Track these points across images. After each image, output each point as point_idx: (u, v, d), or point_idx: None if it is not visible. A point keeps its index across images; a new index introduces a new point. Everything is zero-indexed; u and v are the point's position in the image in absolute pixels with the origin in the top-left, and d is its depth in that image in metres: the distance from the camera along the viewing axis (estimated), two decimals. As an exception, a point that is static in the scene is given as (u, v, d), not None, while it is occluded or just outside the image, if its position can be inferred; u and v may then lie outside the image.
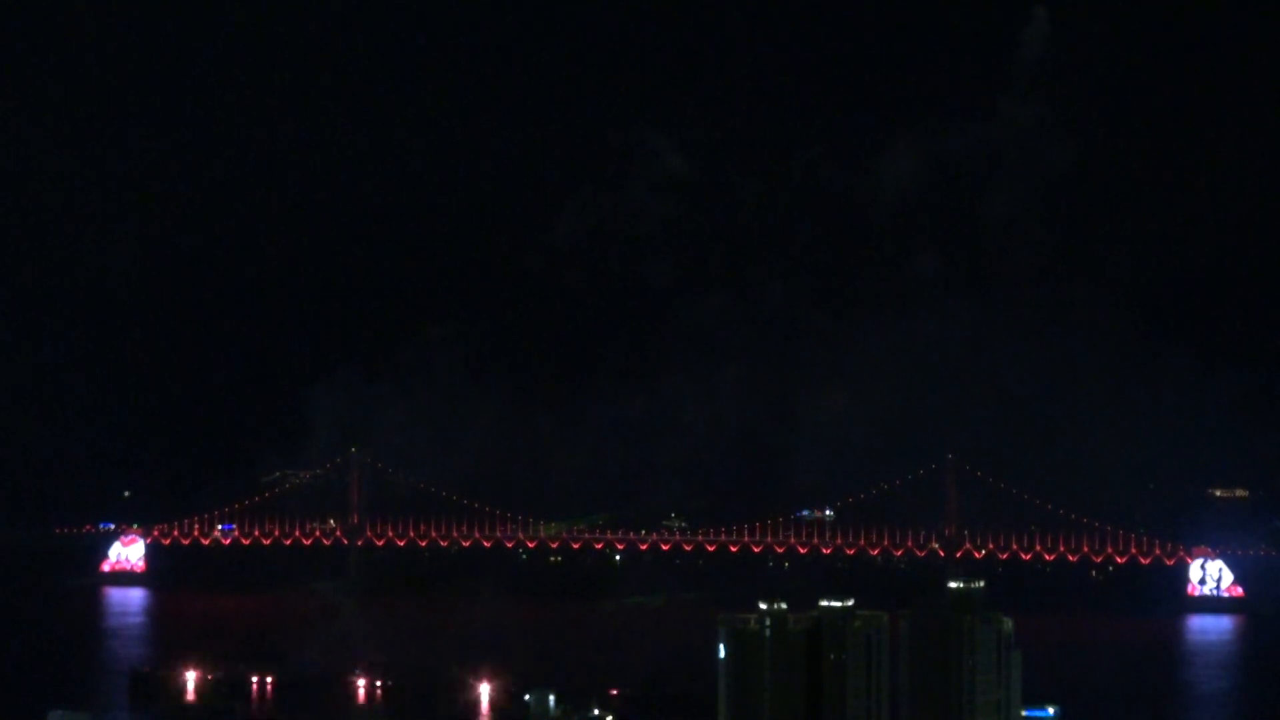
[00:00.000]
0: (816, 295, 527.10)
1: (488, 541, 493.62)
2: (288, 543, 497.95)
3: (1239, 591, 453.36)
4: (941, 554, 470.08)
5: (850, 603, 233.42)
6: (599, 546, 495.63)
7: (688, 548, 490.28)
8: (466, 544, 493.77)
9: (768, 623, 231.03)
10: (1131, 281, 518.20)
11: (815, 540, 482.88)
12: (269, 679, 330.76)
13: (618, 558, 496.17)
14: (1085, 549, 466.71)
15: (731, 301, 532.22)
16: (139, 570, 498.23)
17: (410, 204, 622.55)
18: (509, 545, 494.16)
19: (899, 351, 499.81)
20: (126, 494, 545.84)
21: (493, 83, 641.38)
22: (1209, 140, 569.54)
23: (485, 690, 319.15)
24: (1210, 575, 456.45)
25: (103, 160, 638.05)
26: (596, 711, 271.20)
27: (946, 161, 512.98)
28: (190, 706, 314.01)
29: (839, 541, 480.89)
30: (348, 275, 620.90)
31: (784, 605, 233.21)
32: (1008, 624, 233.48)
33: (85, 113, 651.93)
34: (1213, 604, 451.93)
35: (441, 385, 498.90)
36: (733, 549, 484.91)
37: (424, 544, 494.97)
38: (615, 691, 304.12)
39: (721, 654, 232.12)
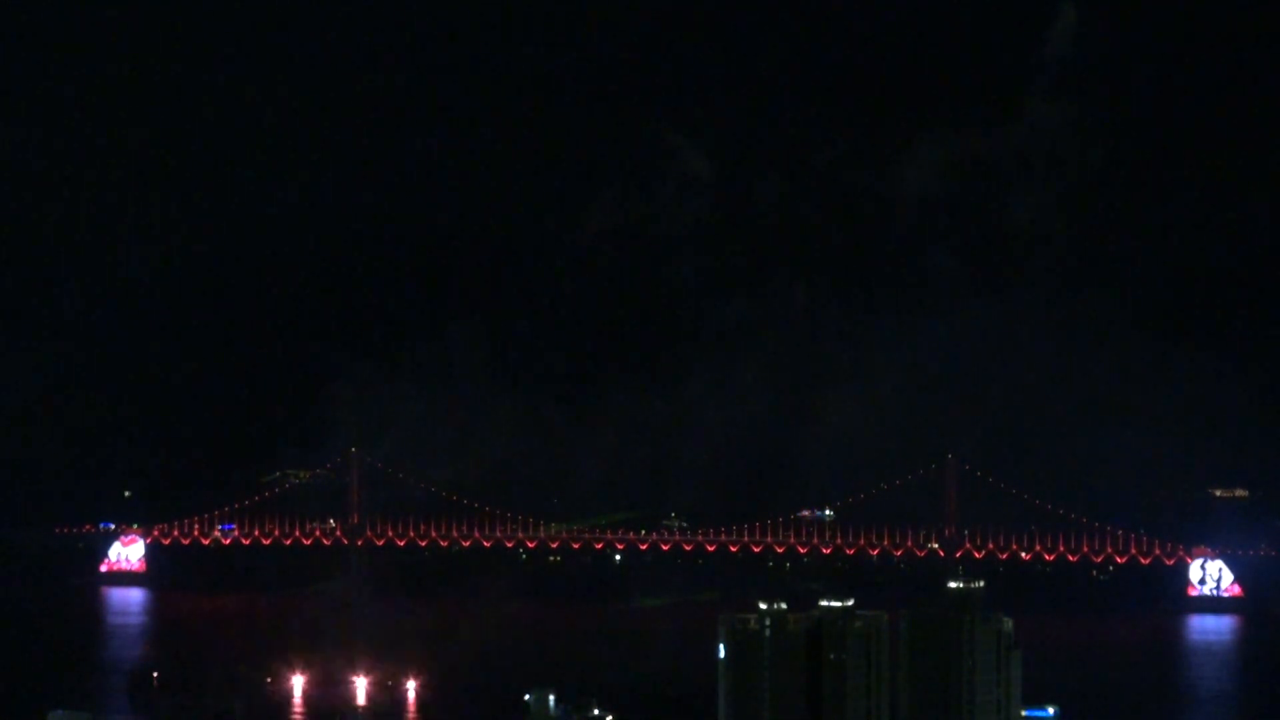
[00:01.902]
0: (836, 297, 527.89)
1: (488, 542, 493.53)
2: (288, 543, 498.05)
3: (1239, 591, 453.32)
4: (941, 554, 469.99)
5: (850, 603, 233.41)
6: (599, 547, 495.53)
7: (688, 548, 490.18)
8: (466, 544, 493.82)
9: (768, 623, 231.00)
10: (1141, 283, 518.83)
11: (815, 540, 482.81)
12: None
13: (618, 558, 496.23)
14: (1085, 549, 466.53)
15: (751, 303, 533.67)
16: (139, 570, 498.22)
17: (431, 204, 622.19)
18: (509, 545, 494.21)
19: (912, 353, 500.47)
20: (127, 494, 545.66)
21: (516, 83, 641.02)
22: (1237, 141, 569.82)
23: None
24: (1210, 575, 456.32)
25: (105, 158, 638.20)
26: (596, 711, 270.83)
27: (970, 162, 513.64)
28: (190, 706, 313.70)
29: (839, 541, 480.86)
30: (363, 274, 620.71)
31: (784, 605, 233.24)
32: (1008, 624, 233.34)
33: (90, 109, 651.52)
34: (1213, 604, 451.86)
35: (453, 385, 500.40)
36: (733, 549, 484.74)
37: (424, 544, 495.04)
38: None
39: (721, 654, 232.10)
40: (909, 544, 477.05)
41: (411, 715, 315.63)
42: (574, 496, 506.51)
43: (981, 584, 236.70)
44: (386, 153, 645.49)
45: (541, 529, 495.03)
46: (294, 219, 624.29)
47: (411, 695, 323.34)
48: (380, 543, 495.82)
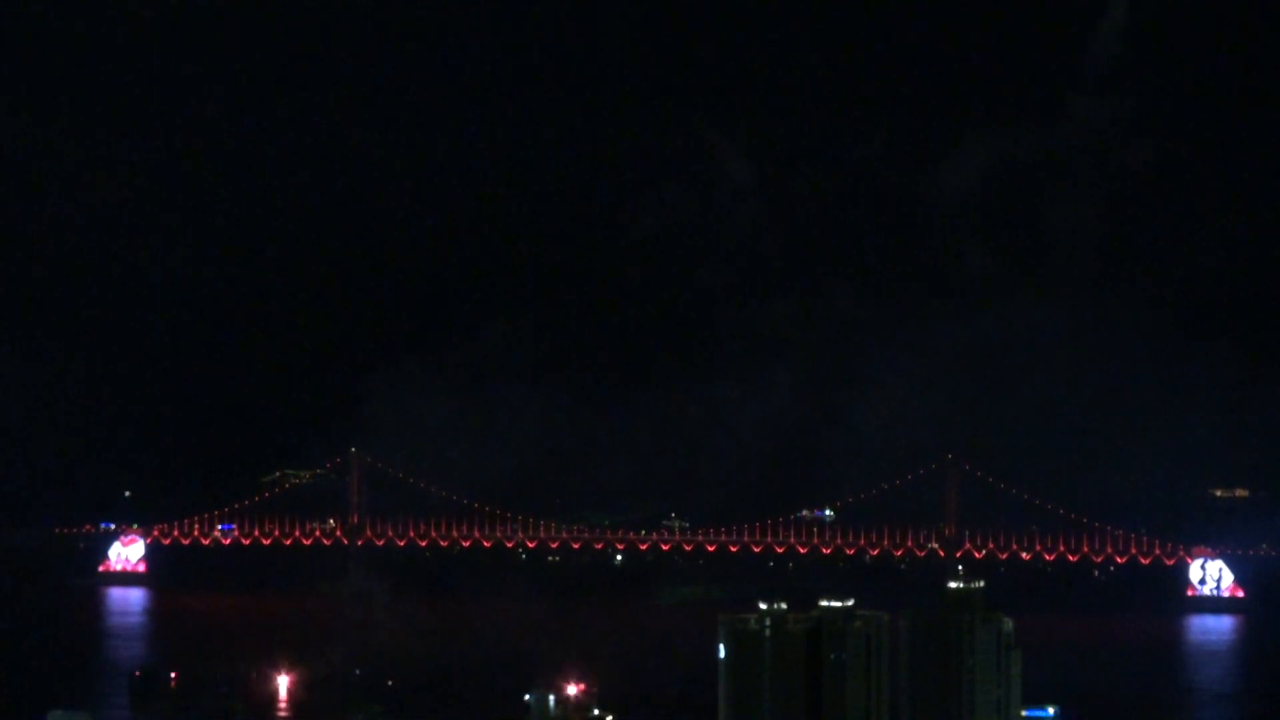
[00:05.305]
0: (870, 299, 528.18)
1: (488, 542, 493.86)
2: (288, 543, 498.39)
3: (1239, 591, 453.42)
4: (941, 554, 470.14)
5: (850, 603, 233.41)
6: (599, 547, 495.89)
7: (688, 548, 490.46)
8: (466, 544, 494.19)
9: (768, 623, 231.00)
10: (1151, 285, 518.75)
11: (816, 540, 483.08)
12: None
13: (618, 559, 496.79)
14: (1085, 549, 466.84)
15: (784, 305, 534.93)
16: (139, 570, 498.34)
17: (467, 207, 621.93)
18: (509, 545, 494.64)
19: (932, 356, 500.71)
20: (127, 494, 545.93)
21: (554, 84, 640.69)
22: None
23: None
24: (1210, 575, 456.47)
25: (112, 155, 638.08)
26: (596, 711, 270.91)
27: (1011, 163, 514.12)
28: (190, 706, 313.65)
29: (839, 541, 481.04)
30: (379, 275, 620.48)
31: (784, 605, 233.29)
32: (1008, 624, 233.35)
33: (103, 107, 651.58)
34: (1213, 604, 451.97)
35: (462, 386, 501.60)
36: (733, 549, 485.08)
37: (424, 544, 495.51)
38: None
39: (721, 654, 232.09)
40: (909, 544, 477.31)
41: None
42: (579, 497, 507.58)
43: (981, 584, 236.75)
44: (412, 151, 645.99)
45: (542, 529, 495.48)
46: (309, 219, 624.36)
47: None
48: (380, 543, 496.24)
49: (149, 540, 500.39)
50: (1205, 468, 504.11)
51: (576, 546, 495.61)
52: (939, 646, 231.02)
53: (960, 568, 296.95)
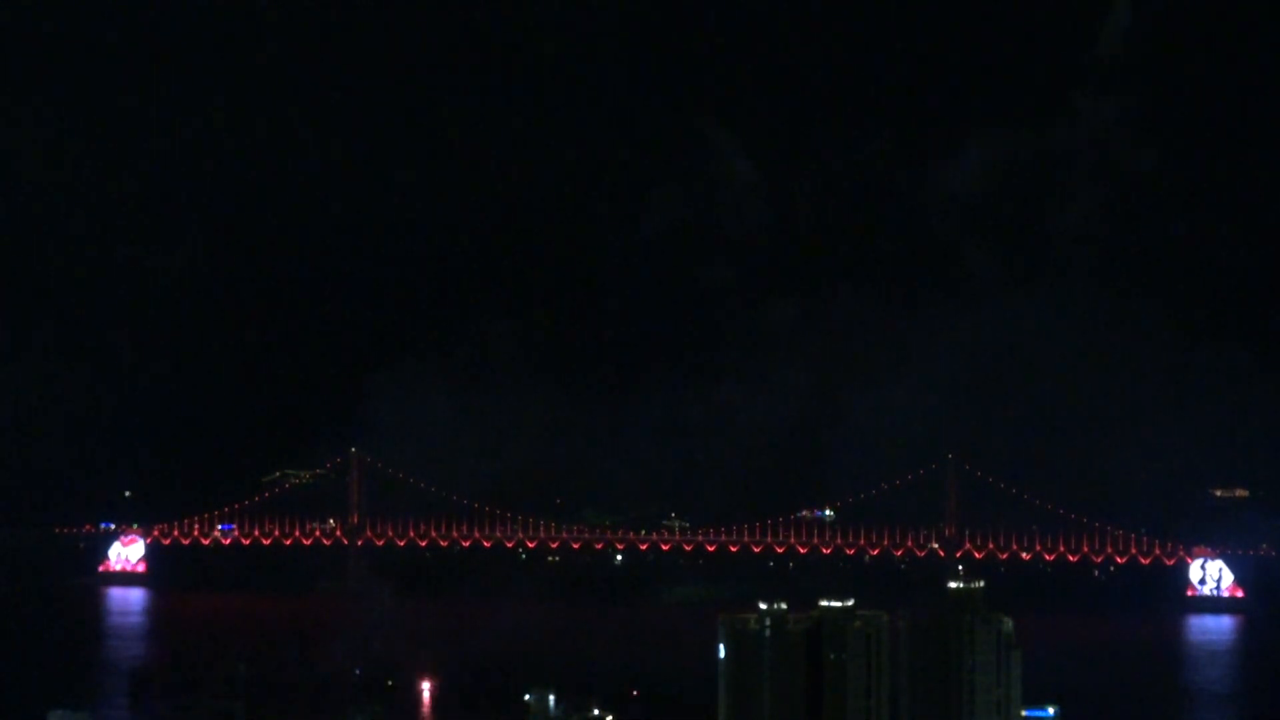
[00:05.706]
0: (875, 300, 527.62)
1: (488, 542, 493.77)
2: (288, 543, 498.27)
3: (1239, 591, 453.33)
4: (941, 554, 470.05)
5: (850, 603, 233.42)
6: (599, 547, 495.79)
7: (688, 548, 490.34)
8: (466, 544, 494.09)
9: (768, 623, 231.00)
10: (1152, 285, 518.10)
11: (816, 540, 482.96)
12: None
13: (618, 558, 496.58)
14: (1085, 549, 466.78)
15: (788, 306, 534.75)
16: (139, 570, 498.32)
17: (468, 207, 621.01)
18: (509, 545, 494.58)
19: (934, 357, 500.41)
20: (127, 494, 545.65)
21: (557, 83, 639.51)
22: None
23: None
24: (1210, 575, 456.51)
25: (112, 158, 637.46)
26: (596, 711, 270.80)
27: (1016, 161, 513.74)
28: (190, 706, 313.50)
29: (839, 541, 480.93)
30: (380, 276, 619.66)
31: (784, 605, 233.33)
32: (1008, 624, 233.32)
33: (104, 108, 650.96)
34: (1213, 604, 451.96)
35: (460, 388, 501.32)
36: (733, 549, 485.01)
37: (424, 544, 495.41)
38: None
39: (721, 654, 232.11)
40: (909, 544, 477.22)
41: None
42: (579, 497, 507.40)
43: (981, 584, 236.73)
44: (411, 150, 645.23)
45: (542, 529, 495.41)
46: (310, 218, 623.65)
47: None
48: (380, 543, 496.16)
49: (149, 540, 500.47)
50: (1205, 468, 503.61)
51: (576, 546, 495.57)
52: (939, 646, 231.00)
53: (960, 568, 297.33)
